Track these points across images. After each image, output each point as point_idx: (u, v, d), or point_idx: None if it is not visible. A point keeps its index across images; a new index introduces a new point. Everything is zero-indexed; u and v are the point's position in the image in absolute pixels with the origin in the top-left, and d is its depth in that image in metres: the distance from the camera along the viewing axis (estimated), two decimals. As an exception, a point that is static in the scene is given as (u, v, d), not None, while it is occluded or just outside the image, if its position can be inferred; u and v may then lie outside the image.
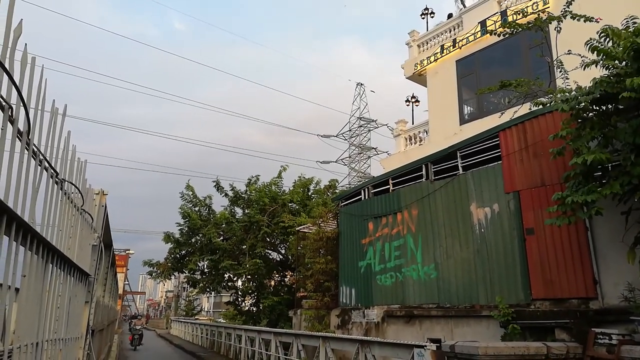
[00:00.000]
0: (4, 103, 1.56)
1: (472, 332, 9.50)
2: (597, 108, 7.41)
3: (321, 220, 16.12)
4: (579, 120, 7.46)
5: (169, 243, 24.08)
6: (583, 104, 7.08)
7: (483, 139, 10.48)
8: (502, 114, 10.49)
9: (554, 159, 8.03)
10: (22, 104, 1.71)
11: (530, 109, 9.21)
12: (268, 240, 22.42)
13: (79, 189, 3.42)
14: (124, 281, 49.79)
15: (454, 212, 10.81)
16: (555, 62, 8.83)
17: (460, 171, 10.89)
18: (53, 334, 2.91)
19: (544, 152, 8.76)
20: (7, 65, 1.52)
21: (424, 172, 11.94)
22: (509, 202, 9.60)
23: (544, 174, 9.06)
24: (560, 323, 7.83)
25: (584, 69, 7.50)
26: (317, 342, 11.76)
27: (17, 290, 2.15)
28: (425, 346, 7.61)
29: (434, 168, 11.68)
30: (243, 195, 23.62)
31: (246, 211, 23.25)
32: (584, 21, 8.36)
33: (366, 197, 13.98)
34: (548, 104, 8.12)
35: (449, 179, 11.12)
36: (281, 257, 23.90)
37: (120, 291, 36.97)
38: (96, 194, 4.85)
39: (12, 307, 2.12)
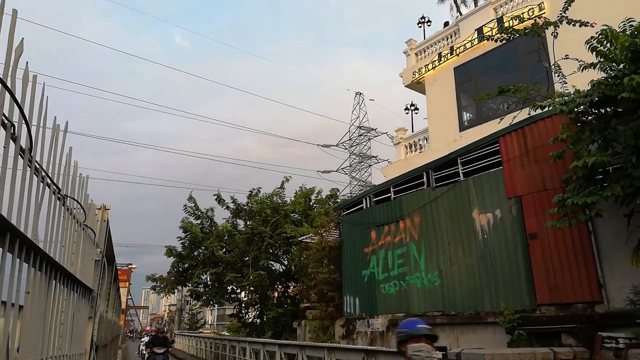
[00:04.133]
0: (6, 121, 1.57)
1: (478, 339, 9.43)
2: (597, 111, 7.44)
3: (323, 230, 16.10)
4: (579, 124, 7.48)
5: (172, 257, 24.05)
6: (582, 107, 7.10)
7: (483, 145, 10.50)
8: (501, 119, 10.51)
9: (554, 162, 8.03)
10: (24, 122, 1.73)
11: (529, 114, 9.24)
12: (271, 251, 22.38)
13: (81, 205, 3.42)
14: (127, 296, 49.58)
15: (457, 218, 10.80)
16: (553, 67, 8.88)
17: (462, 177, 10.89)
18: (57, 351, 2.89)
19: (545, 156, 8.76)
20: (9, 84, 1.53)
21: (425, 179, 11.94)
22: (511, 207, 9.59)
23: (545, 178, 9.06)
24: (567, 328, 7.78)
25: (582, 71, 7.53)
26: (322, 353, 11.67)
27: (20, 307, 2.15)
28: (431, 354, 7.56)
29: (435, 175, 11.68)
30: (245, 207, 23.62)
31: (248, 223, 23.23)
32: (580, 26, 8.42)
33: (368, 206, 13.96)
34: (547, 108, 8.15)
35: (450, 186, 11.12)
36: (284, 268, 23.83)
37: (124, 306, 36.71)
38: (98, 209, 4.84)
39: (16, 325, 2.12)
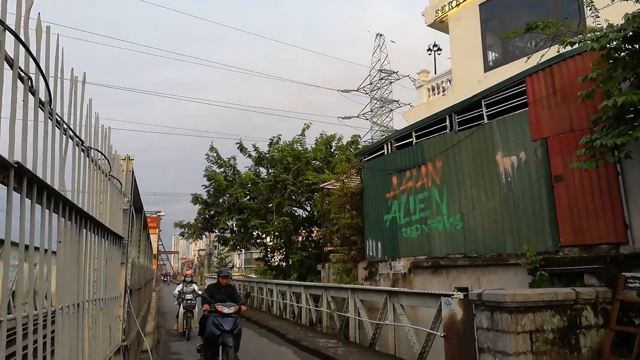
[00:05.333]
0: (22, 74, 1.58)
1: (500, 280, 9.56)
2: (630, 47, 7.04)
3: (345, 176, 16.16)
4: (610, 61, 7.12)
5: (197, 204, 24.66)
6: (615, 42, 6.74)
7: (508, 86, 10.16)
8: (528, 58, 10.07)
9: (583, 102, 7.75)
10: (40, 74, 1.73)
11: (558, 51, 8.82)
12: (293, 198, 22.70)
13: (105, 156, 3.49)
14: (158, 242, 51.46)
15: (480, 162, 10.67)
16: (585, 0, 8.36)
17: (486, 120, 10.64)
18: (93, 295, 3.06)
19: (573, 96, 8.44)
20: (22, 36, 1.53)
21: (447, 123, 11.72)
22: (536, 149, 9.39)
23: (572, 119, 8.78)
24: (590, 269, 7.80)
25: (616, 3, 7.08)
26: (345, 294, 12.07)
27: (54, 253, 2.25)
28: (453, 295, 7.73)
29: (458, 118, 11.44)
30: (266, 155, 23.78)
31: (270, 171, 23.47)
32: (617, -48, 7.82)
33: (389, 152, 13.88)
34: (577, 45, 7.76)
35: (473, 129, 10.90)
36: (307, 213, 24.23)
37: (155, 251, 38.28)
38: (122, 159, 4.94)
39: (51, 271, 2.24)
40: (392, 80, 45.52)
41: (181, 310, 13.31)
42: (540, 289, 7.71)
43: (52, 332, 1.99)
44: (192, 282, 14.21)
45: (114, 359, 4.17)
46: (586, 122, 8.27)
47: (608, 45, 6.83)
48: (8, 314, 1.63)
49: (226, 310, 7.59)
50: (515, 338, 6.33)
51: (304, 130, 23.88)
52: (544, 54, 9.40)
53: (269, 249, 25.62)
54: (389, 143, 14.05)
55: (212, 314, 7.64)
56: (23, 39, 1.54)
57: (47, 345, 1.86)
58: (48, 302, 2.01)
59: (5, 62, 1.41)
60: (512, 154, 9.88)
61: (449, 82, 18.00)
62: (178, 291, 13.82)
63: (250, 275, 35.66)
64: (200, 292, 12.20)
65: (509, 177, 9.92)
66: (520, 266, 8.91)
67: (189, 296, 13.12)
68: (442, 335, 7.91)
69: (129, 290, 5.12)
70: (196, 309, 12.85)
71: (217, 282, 8.58)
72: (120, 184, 4.55)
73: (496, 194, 10.18)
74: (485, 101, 10.68)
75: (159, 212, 53.11)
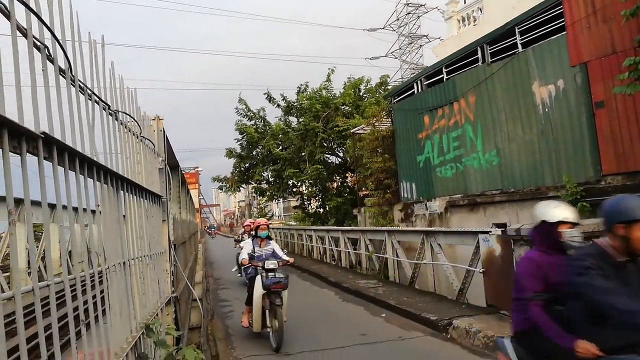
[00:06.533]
0: (38, 43, 1.58)
1: (539, 213, 9.41)
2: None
3: (375, 119, 15.94)
4: (657, -29, 6.54)
5: (232, 158, 25.05)
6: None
7: (545, 9, 9.54)
8: (565, -24, 9.38)
9: (627, 21, 7.21)
10: (56, 41, 1.73)
11: (598, -34, 8.16)
12: (325, 145, 22.68)
13: (133, 118, 3.52)
14: (199, 196, 52.90)
15: (515, 94, 10.25)
16: None
17: (520, 49, 10.12)
18: (138, 252, 3.20)
19: (615, 15, 7.86)
20: (32, 5, 1.51)
21: (479, 55, 11.22)
22: (576, 75, 8.91)
23: (614, 40, 8.21)
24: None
25: None
26: (382, 236, 12.22)
27: (93, 213, 2.34)
28: (490, 231, 7.68)
29: (490, 49, 10.92)
30: (295, 104, 23.60)
31: (300, 119, 23.37)
32: None
33: (419, 90, 13.51)
34: (620, -43, 7.14)
35: (507, 59, 10.41)
36: (340, 160, 24.25)
37: (197, 206, 39.56)
38: (152, 120, 5.00)
39: (92, 234, 2.34)
40: (420, 14, 43.45)
41: (259, 289, 6.66)
42: (581, 220, 7.55)
43: (102, 292, 2.12)
44: (269, 237, 7.68)
45: (166, 310, 4.42)
46: (630, 42, 7.73)
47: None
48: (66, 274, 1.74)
49: None
50: (555, 270, 6.30)
51: (329, 75, 23.43)
52: (582, -29, 8.72)
53: (305, 197, 26.00)
54: (418, 81, 13.64)
55: None
56: (34, 8, 1.53)
57: (97, 305, 1.99)
58: (95, 262, 2.12)
59: (18, 31, 1.41)
60: (550, 83, 9.43)
61: (480, 11, 17.08)
62: (248, 254, 7.19)
63: (290, 223, 36.50)
64: (285, 257, 7.25)
65: (547, 107, 9.52)
66: (560, 198, 8.71)
67: (271, 264, 6.73)
68: (481, 271, 7.95)
69: (173, 245, 5.34)
70: (286, 291, 6.85)
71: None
72: (153, 144, 4.63)
73: (533, 125, 9.83)
74: (519, 28, 10.10)
75: (197, 167, 54.36)
